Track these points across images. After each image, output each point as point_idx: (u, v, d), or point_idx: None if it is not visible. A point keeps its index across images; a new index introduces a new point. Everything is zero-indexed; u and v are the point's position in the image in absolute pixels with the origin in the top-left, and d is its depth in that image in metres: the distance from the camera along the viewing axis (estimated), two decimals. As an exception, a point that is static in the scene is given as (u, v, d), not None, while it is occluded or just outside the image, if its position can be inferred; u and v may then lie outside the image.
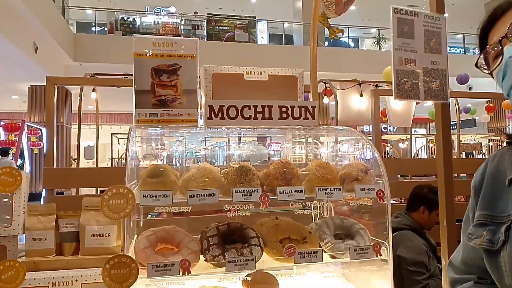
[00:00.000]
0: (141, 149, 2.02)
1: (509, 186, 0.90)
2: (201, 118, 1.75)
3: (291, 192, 1.43)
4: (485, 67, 0.97)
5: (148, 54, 1.74)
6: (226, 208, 1.45)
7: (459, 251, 1.04)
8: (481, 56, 0.97)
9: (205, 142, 2.20)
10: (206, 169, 1.48)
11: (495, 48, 0.93)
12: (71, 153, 12.05)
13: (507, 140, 0.97)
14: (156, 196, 1.30)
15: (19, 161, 8.22)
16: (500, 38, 0.91)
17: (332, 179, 1.56)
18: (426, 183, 2.96)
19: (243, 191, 1.38)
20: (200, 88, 1.83)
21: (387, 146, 13.21)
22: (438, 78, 1.32)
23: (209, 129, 1.78)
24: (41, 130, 8.95)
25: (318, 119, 1.69)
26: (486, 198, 0.95)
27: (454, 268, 1.05)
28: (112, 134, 12.28)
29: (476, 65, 0.98)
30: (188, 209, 1.41)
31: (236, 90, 1.86)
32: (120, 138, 12.41)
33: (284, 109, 1.65)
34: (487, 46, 0.95)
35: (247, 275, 1.61)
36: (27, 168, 8.93)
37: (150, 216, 2.78)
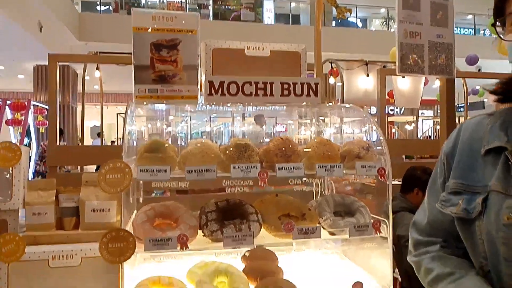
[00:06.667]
0: (146, 128, 2.00)
1: (484, 156, 0.90)
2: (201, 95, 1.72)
3: (291, 168, 1.41)
4: (502, 31, 0.92)
5: (148, 30, 1.71)
6: (224, 184, 1.44)
7: (424, 213, 1.04)
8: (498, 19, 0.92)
9: (211, 123, 2.19)
10: (205, 145, 1.46)
11: None
12: (77, 133, 12.11)
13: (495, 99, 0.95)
14: (153, 171, 1.29)
15: (26, 140, 8.25)
16: None
17: (333, 156, 1.54)
18: (420, 165, 2.95)
19: (242, 167, 1.37)
20: (200, 66, 1.79)
21: (393, 128, 13.09)
22: (443, 52, 1.28)
23: (214, 107, 1.75)
24: (47, 109, 8.97)
25: (321, 97, 1.66)
26: (461, 167, 0.94)
27: (418, 230, 1.04)
28: (117, 114, 12.30)
29: (493, 24, 0.93)
30: (186, 185, 1.40)
31: (237, 66, 1.82)
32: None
33: (286, 86, 1.62)
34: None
35: (246, 251, 1.62)
36: (33, 146, 8.98)
37: (154, 194, 2.79)
